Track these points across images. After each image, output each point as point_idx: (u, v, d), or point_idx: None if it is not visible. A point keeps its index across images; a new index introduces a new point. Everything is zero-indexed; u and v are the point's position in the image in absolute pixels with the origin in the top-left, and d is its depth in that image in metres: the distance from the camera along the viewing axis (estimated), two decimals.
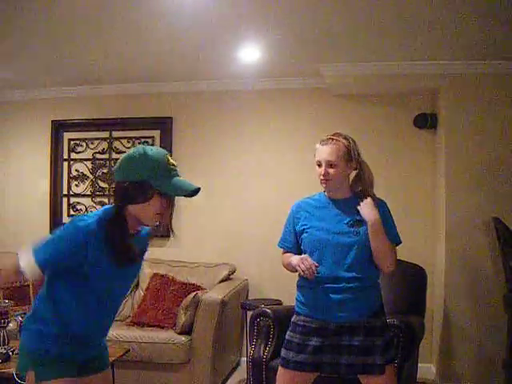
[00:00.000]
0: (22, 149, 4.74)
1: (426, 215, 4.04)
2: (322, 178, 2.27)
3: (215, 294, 3.61)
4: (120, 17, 2.95)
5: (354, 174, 2.35)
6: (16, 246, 4.96)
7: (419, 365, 3.21)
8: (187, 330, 3.53)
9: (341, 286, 2.22)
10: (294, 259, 2.25)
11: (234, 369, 4.08)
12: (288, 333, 2.33)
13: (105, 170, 4.56)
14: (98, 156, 4.58)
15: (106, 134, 4.56)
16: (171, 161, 1.71)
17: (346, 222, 2.26)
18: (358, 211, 2.24)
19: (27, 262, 1.59)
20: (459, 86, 3.70)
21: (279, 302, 3.82)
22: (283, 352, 2.31)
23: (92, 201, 4.57)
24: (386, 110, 4.12)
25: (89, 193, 4.58)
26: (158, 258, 4.30)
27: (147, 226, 1.76)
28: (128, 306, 4.11)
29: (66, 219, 4.61)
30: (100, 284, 1.69)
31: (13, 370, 2.54)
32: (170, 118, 4.45)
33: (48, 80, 4.38)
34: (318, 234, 2.28)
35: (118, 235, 1.66)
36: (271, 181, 4.29)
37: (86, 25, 3.07)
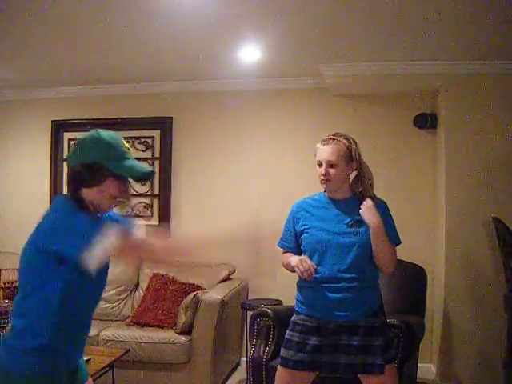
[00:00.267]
0: (22, 149, 4.74)
1: (426, 215, 4.04)
2: (322, 177, 2.27)
3: (215, 293, 3.61)
4: (120, 17, 2.95)
5: (353, 174, 2.35)
6: (16, 246, 4.97)
7: (419, 365, 3.21)
8: (187, 330, 3.53)
9: (340, 285, 2.22)
10: (294, 260, 2.25)
11: (234, 369, 4.08)
12: (288, 332, 2.33)
13: None
14: None
15: None
16: (125, 144, 1.67)
17: (345, 222, 2.26)
18: (358, 211, 2.24)
19: None
20: (459, 86, 3.70)
21: (279, 302, 3.82)
22: (282, 351, 2.31)
23: None
24: (385, 110, 4.12)
25: None
26: None
27: (104, 211, 1.69)
28: (128, 306, 4.12)
29: None
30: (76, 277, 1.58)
31: None
32: (170, 117, 4.45)
33: (48, 80, 4.38)
34: (318, 234, 2.28)
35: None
36: (271, 181, 4.29)
37: (86, 25, 3.07)
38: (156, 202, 4.47)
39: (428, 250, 4.00)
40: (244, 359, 3.86)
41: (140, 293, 4.11)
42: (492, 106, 3.65)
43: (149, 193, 4.47)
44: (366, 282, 2.25)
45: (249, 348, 3.09)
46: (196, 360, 3.47)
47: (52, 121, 4.65)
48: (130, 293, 4.18)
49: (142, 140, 4.51)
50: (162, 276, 4.01)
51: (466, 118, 3.68)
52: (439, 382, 3.66)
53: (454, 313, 3.64)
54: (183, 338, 3.49)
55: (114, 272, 4.16)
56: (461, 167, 3.67)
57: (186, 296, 3.66)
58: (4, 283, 4.09)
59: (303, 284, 2.32)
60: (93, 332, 3.63)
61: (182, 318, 3.54)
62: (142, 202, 4.49)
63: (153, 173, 1.74)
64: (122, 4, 2.77)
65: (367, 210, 2.20)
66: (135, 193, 4.48)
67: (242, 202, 4.32)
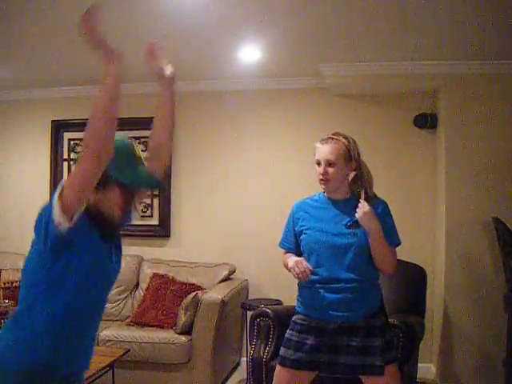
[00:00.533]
0: (22, 149, 4.74)
1: (426, 215, 4.04)
2: (321, 177, 2.26)
3: (215, 293, 3.61)
4: (119, 17, 2.95)
5: (352, 174, 2.34)
6: (16, 246, 5.00)
7: (419, 365, 3.20)
8: (187, 330, 3.53)
9: (339, 286, 2.21)
10: (290, 261, 2.25)
11: (234, 369, 4.08)
12: (287, 331, 2.33)
13: None
14: None
15: None
16: (137, 152, 1.63)
17: (344, 223, 2.25)
18: (355, 210, 2.23)
19: None
20: (459, 86, 3.70)
21: (279, 302, 3.82)
22: (281, 350, 2.31)
23: None
24: (385, 110, 4.12)
25: None
26: (158, 258, 4.30)
27: (112, 219, 1.60)
28: (128, 306, 4.12)
29: None
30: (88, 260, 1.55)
31: None
32: None
33: (48, 80, 4.38)
34: (316, 235, 2.28)
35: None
36: (271, 180, 4.29)
37: None
38: (156, 202, 4.47)
39: (428, 250, 4.00)
40: (244, 359, 3.86)
41: (140, 293, 4.11)
42: (492, 105, 3.65)
43: (149, 193, 4.47)
44: (365, 282, 2.24)
45: (249, 348, 3.09)
46: (196, 360, 3.48)
47: (52, 121, 4.65)
48: (130, 293, 4.18)
49: (142, 140, 4.50)
50: (162, 276, 4.01)
51: (466, 118, 3.68)
52: (439, 382, 3.66)
53: (453, 313, 3.64)
54: (183, 338, 3.49)
55: None
56: (461, 167, 3.67)
57: (186, 296, 3.66)
58: (4, 283, 4.09)
59: (303, 284, 2.32)
60: None
61: (182, 318, 3.54)
62: (141, 202, 4.49)
63: (159, 183, 1.68)
64: (122, 4, 2.77)
65: (363, 215, 2.17)
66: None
67: (242, 201, 4.32)
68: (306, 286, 2.30)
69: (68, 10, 2.84)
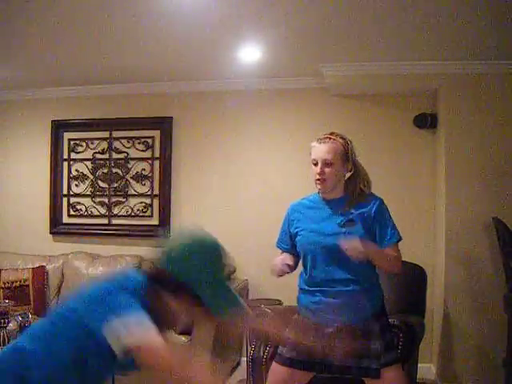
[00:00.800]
0: (22, 149, 4.74)
1: (426, 215, 4.04)
2: (317, 177, 2.23)
3: None
4: (120, 17, 2.95)
5: (348, 174, 2.32)
6: (16, 246, 4.99)
7: (419, 365, 3.20)
8: (187, 330, 3.53)
9: (337, 289, 2.19)
10: (274, 260, 2.29)
11: (234, 369, 4.08)
12: (286, 330, 2.32)
13: (105, 170, 4.55)
14: (98, 156, 4.57)
15: (106, 134, 4.56)
16: (225, 263, 1.42)
17: (338, 221, 2.23)
18: (351, 209, 2.22)
19: None
20: (459, 86, 3.70)
21: (279, 302, 3.82)
22: (279, 348, 2.31)
23: (92, 201, 4.57)
24: (385, 110, 4.11)
25: (89, 193, 4.58)
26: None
27: (168, 320, 1.43)
28: None
29: (65, 219, 4.62)
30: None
31: None
32: (170, 117, 4.45)
33: (48, 80, 4.38)
34: (309, 236, 2.27)
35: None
36: (271, 180, 4.28)
37: (86, 25, 3.07)
38: (156, 202, 4.47)
39: (428, 250, 3.99)
40: (244, 359, 3.86)
41: None
42: (492, 106, 3.65)
43: (149, 193, 4.47)
44: (363, 283, 2.22)
45: (249, 348, 3.09)
46: (196, 360, 3.47)
47: (52, 121, 4.64)
48: None
49: (142, 140, 4.51)
50: None
51: (466, 118, 3.68)
52: (439, 382, 3.66)
53: (453, 313, 3.64)
54: (183, 338, 3.49)
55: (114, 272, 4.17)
56: (461, 167, 3.67)
57: None
58: (4, 283, 4.09)
59: (302, 286, 2.32)
60: None
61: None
62: (142, 202, 4.49)
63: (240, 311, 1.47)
64: (122, 4, 2.77)
65: (351, 251, 2.08)
66: (135, 193, 4.48)
67: (242, 201, 4.32)
68: (305, 289, 2.30)
69: (68, 10, 2.84)
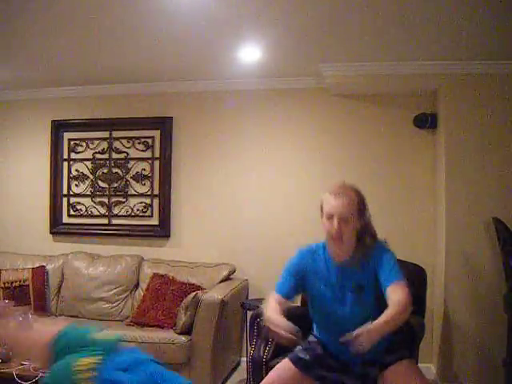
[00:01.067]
0: (22, 149, 4.74)
1: (426, 215, 4.04)
2: (333, 234, 2.15)
3: (215, 293, 3.60)
4: (120, 17, 2.95)
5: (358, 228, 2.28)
6: (16, 246, 4.99)
7: (419, 365, 3.19)
8: (187, 330, 3.53)
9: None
10: (282, 326, 2.06)
11: (234, 369, 4.08)
12: (308, 339, 2.39)
13: (105, 170, 4.56)
14: (98, 156, 4.58)
15: (106, 134, 4.56)
16: None
17: (348, 287, 2.21)
18: (361, 271, 2.19)
19: None
20: (459, 86, 3.70)
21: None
22: (299, 350, 2.34)
23: (92, 201, 4.57)
24: (385, 110, 4.11)
25: (89, 193, 4.58)
26: (158, 258, 4.30)
27: None
28: (128, 306, 4.12)
29: (65, 219, 4.62)
30: None
31: (13, 370, 2.55)
32: (170, 117, 4.45)
33: (48, 80, 4.38)
34: (322, 301, 2.27)
35: None
36: (271, 180, 4.29)
37: (86, 25, 3.07)
38: (156, 202, 4.47)
39: (428, 250, 3.99)
40: (244, 359, 3.86)
41: (140, 293, 4.11)
42: (492, 106, 3.65)
43: (149, 193, 4.47)
44: None
45: (249, 348, 3.09)
46: (196, 360, 3.47)
47: (52, 121, 4.65)
48: (130, 293, 4.18)
49: (142, 140, 4.51)
50: (162, 276, 4.01)
51: (466, 118, 3.68)
52: (439, 382, 3.66)
53: (453, 313, 3.64)
54: (183, 338, 3.49)
55: (114, 272, 4.17)
56: (461, 167, 3.67)
57: (185, 296, 3.66)
58: (4, 283, 4.09)
59: (316, 320, 2.38)
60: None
61: (182, 318, 3.54)
62: (141, 202, 4.49)
63: None
64: (122, 4, 2.77)
65: (363, 348, 1.91)
66: (135, 193, 4.49)
67: (242, 201, 4.32)
68: (321, 328, 2.35)
69: (68, 10, 2.84)
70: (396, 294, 2.07)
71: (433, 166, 4.03)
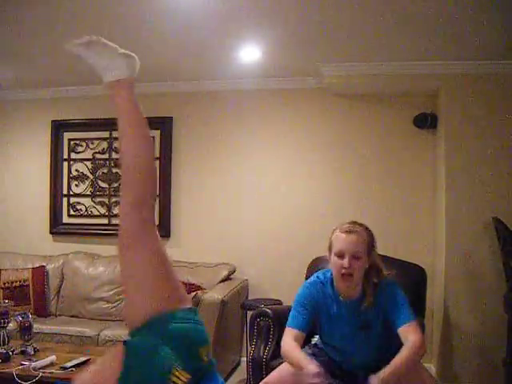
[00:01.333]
0: (22, 149, 4.74)
1: (426, 215, 4.04)
2: (344, 271, 2.16)
3: (215, 293, 3.60)
4: (120, 16, 2.95)
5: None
6: (16, 246, 4.98)
7: None
8: None
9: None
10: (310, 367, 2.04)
11: (234, 369, 4.08)
12: (315, 343, 2.45)
13: (105, 170, 4.56)
14: (98, 156, 4.58)
15: (106, 134, 4.56)
16: None
17: (357, 325, 2.23)
18: (369, 308, 2.21)
19: None
20: (459, 86, 3.70)
21: (279, 302, 3.82)
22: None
23: (92, 201, 4.57)
24: (385, 110, 4.11)
25: (89, 193, 4.58)
26: None
27: None
28: None
29: (65, 219, 4.62)
30: None
31: (13, 370, 2.55)
32: (170, 117, 4.45)
33: (48, 80, 4.38)
34: (330, 336, 2.32)
35: None
36: (271, 180, 4.29)
37: (87, 25, 3.07)
38: (156, 202, 4.45)
39: (428, 250, 3.99)
40: (244, 359, 3.86)
41: None
42: (492, 105, 3.65)
43: None
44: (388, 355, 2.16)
45: (249, 348, 3.09)
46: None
47: (52, 121, 4.65)
48: None
49: None
50: None
51: (465, 117, 3.68)
52: (439, 382, 3.66)
53: (453, 313, 3.64)
54: None
55: (114, 272, 4.17)
56: (461, 167, 3.67)
57: None
58: (4, 283, 4.09)
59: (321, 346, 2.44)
60: (93, 332, 3.63)
61: None
62: None
63: None
64: (123, 4, 2.77)
65: None
66: None
67: (242, 201, 4.32)
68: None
69: (68, 10, 2.84)
70: (410, 336, 2.08)
71: (433, 166, 4.02)
